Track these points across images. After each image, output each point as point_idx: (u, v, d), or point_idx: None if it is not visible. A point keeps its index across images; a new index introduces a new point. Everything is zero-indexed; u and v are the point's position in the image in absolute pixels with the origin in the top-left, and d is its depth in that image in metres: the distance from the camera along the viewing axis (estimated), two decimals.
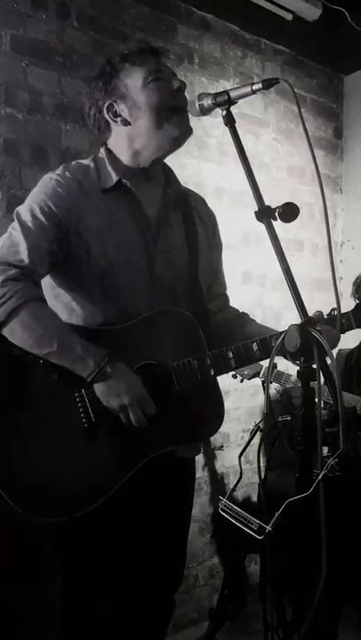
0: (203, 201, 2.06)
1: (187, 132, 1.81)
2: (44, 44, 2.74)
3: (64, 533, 1.75)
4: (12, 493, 1.60)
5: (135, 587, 1.82)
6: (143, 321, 1.75)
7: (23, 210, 1.76)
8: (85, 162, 1.85)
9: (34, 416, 1.66)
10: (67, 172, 1.80)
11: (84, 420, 1.67)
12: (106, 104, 1.81)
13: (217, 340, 1.84)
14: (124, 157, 1.84)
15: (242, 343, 1.76)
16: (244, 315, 2.07)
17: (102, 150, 1.87)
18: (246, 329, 1.97)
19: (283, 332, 1.54)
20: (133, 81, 1.79)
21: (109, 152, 1.86)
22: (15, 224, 1.74)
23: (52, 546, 1.81)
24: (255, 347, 1.75)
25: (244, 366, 1.81)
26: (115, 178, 1.80)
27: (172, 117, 1.77)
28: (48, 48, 2.75)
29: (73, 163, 1.86)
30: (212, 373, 1.76)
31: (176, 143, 1.83)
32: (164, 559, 1.90)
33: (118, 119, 1.81)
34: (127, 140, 1.82)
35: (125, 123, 1.81)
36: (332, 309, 1.77)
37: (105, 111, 1.82)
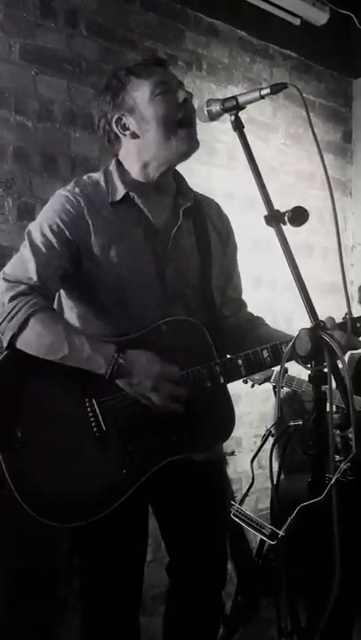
0: (217, 206, 2.08)
1: (194, 146, 1.84)
2: (53, 53, 2.76)
3: (80, 537, 1.81)
4: (29, 501, 1.64)
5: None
6: (151, 331, 1.78)
7: (33, 228, 1.80)
8: (96, 175, 1.89)
9: (48, 426, 1.70)
10: (77, 188, 1.83)
11: (95, 429, 1.71)
12: (115, 117, 1.84)
13: (228, 344, 1.86)
14: (134, 169, 1.87)
15: (252, 350, 1.77)
16: (258, 319, 2.08)
17: (113, 163, 1.90)
18: (258, 333, 1.97)
19: (293, 338, 1.54)
20: (141, 94, 1.81)
21: (119, 164, 1.89)
22: (26, 242, 1.78)
23: (67, 550, 1.85)
24: (265, 353, 1.77)
25: (255, 373, 1.81)
26: (122, 191, 1.82)
27: (180, 131, 1.80)
28: (57, 56, 2.77)
29: (84, 177, 1.89)
30: (222, 381, 1.76)
31: (184, 156, 1.85)
32: (199, 559, 1.93)
33: (127, 132, 1.84)
34: (136, 152, 1.85)
35: (134, 136, 1.83)
36: (346, 314, 1.76)
37: (114, 124, 1.85)
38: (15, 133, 2.63)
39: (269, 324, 2.05)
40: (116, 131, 1.85)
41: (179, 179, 1.96)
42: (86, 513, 1.67)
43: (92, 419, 1.70)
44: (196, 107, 1.75)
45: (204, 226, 1.95)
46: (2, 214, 2.58)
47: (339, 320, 1.79)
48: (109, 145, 1.91)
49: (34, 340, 1.68)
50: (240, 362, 1.76)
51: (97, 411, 1.71)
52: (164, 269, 1.84)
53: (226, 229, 2.06)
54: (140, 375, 1.67)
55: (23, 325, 1.67)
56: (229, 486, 3.39)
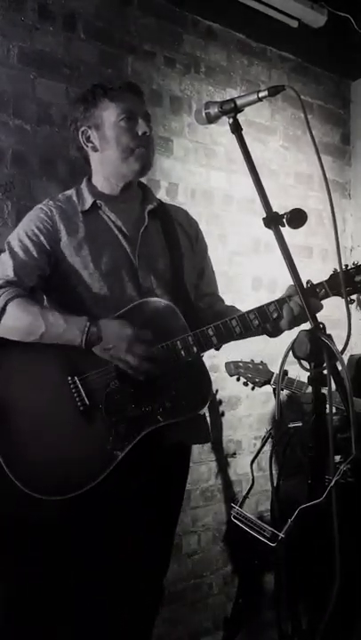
0: (183, 211, 2.27)
1: (146, 166, 2.05)
2: (52, 56, 2.76)
3: (67, 511, 1.87)
4: (20, 476, 1.80)
5: (124, 570, 1.98)
6: (127, 312, 1.92)
7: (12, 238, 2.00)
8: (69, 192, 2.11)
9: (35, 404, 1.87)
10: (50, 202, 2.06)
11: (79, 404, 1.87)
12: (82, 128, 2.06)
13: None
14: (99, 182, 2.10)
15: (221, 321, 1.90)
16: (231, 307, 2.20)
17: (84, 181, 2.13)
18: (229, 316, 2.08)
19: (264, 305, 1.85)
20: (108, 115, 2.02)
21: (89, 181, 2.13)
22: (5, 251, 1.97)
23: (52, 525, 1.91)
24: (234, 322, 1.89)
25: (225, 342, 1.92)
26: (90, 201, 2.05)
27: (135, 153, 2.01)
28: (55, 60, 2.77)
29: (59, 195, 2.11)
30: (195, 350, 1.89)
31: (138, 175, 2.07)
32: (153, 544, 2.05)
33: (89, 145, 2.07)
34: (99, 164, 2.09)
35: (95, 149, 2.07)
36: (308, 282, 1.87)
37: (80, 134, 2.07)
38: (14, 137, 2.63)
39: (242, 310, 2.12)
40: (81, 140, 2.07)
41: (143, 187, 2.18)
42: (74, 486, 1.80)
43: (75, 395, 1.86)
44: (194, 110, 1.77)
45: (172, 227, 2.13)
46: (1, 217, 2.58)
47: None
48: (76, 150, 2.14)
49: (14, 324, 1.85)
50: (210, 332, 1.89)
51: (79, 387, 1.87)
52: (136, 266, 2.01)
53: (194, 230, 2.23)
54: (114, 339, 1.82)
55: (1, 312, 1.84)
56: (231, 487, 3.39)
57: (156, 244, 2.07)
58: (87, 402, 1.87)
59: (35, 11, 2.71)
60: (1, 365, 1.88)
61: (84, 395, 1.87)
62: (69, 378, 1.88)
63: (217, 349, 1.96)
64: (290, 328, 1.87)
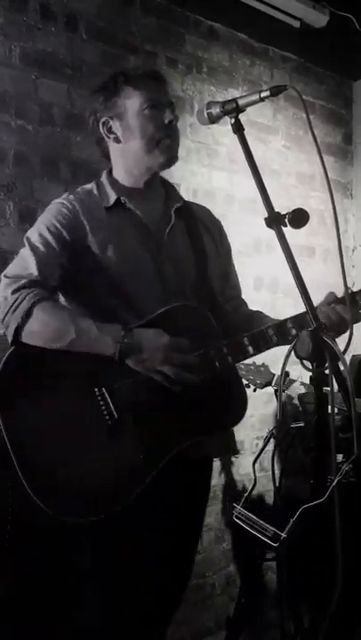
0: (207, 210, 2.14)
1: (172, 159, 1.92)
2: (54, 57, 2.77)
3: (96, 532, 1.78)
4: (40, 494, 1.64)
5: (146, 584, 1.84)
6: (157, 318, 1.78)
7: (31, 232, 1.86)
8: (88, 186, 1.96)
9: (60, 420, 1.70)
10: (71, 196, 1.92)
11: (107, 417, 1.70)
12: (103, 119, 1.92)
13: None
14: (120, 175, 1.95)
15: (257, 330, 1.79)
16: (258, 312, 2.10)
17: (104, 174, 1.99)
18: (258, 323, 1.96)
19: (302, 313, 1.66)
20: (131, 103, 1.88)
21: (109, 174, 1.98)
22: (25, 246, 1.83)
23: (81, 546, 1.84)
24: (271, 331, 1.78)
25: (262, 352, 1.81)
26: (114, 197, 1.90)
27: (160, 145, 1.87)
28: (57, 60, 2.78)
29: (78, 189, 1.97)
30: (230, 361, 1.77)
31: (163, 167, 1.93)
32: (177, 560, 1.94)
33: (112, 136, 1.92)
34: (120, 156, 1.94)
35: (117, 140, 1.92)
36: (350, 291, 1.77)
37: (101, 125, 1.93)
38: (16, 137, 2.64)
39: (269, 316, 2.05)
40: (102, 131, 1.93)
41: (166, 185, 2.05)
42: (102, 506, 1.66)
43: (102, 407, 1.70)
44: (196, 110, 1.76)
45: (197, 227, 2.01)
46: (3, 218, 2.59)
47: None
48: (96, 142, 1.99)
49: (40, 329, 1.69)
50: (246, 341, 1.77)
51: (108, 399, 1.71)
52: (162, 266, 1.88)
53: (218, 231, 2.11)
54: (150, 349, 1.68)
55: (27, 315, 1.68)
56: (234, 487, 3.39)
57: (181, 244, 1.95)
58: (115, 415, 1.71)
59: (36, 11, 2.72)
60: (22, 374, 1.72)
61: (112, 407, 1.71)
62: (96, 389, 1.71)
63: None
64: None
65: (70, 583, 2.30)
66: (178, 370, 1.68)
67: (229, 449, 2.05)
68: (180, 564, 1.97)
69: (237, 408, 1.85)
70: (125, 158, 1.92)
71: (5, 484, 1.80)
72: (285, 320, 1.79)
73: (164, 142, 1.87)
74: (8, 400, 1.69)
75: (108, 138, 1.93)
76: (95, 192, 1.93)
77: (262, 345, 1.78)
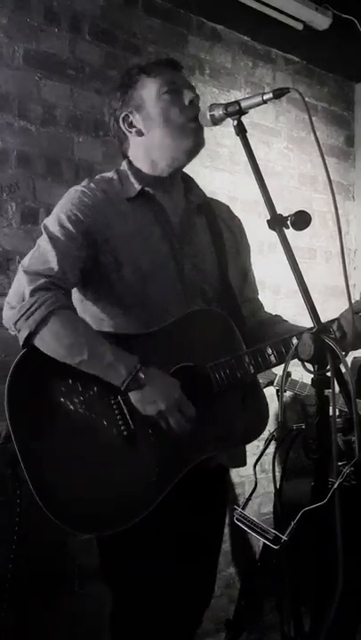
0: (227, 207, 2.08)
1: (199, 143, 1.82)
2: (57, 58, 2.77)
3: (109, 546, 1.73)
4: (57, 512, 1.56)
5: (166, 602, 1.74)
6: (176, 323, 1.71)
7: (50, 221, 1.76)
8: (109, 174, 1.88)
9: (72, 428, 1.63)
10: (92, 184, 1.82)
11: (122, 428, 1.63)
12: (122, 115, 1.84)
13: (251, 343, 1.80)
14: (145, 168, 1.86)
15: (280, 338, 1.72)
16: (277, 316, 2.04)
17: (124, 163, 1.90)
18: (277, 329, 1.91)
19: (327, 322, 1.58)
20: (148, 92, 1.81)
21: (130, 164, 1.88)
22: (44, 235, 1.73)
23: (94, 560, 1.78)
24: (295, 341, 1.68)
25: (283, 363, 1.71)
26: (138, 187, 1.81)
27: (185, 129, 1.78)
28: (60, 61, 2.78)
29: (97, 176, 1.88)
30: (252, 371, 1.70)
31: (190, 154, 1.84)
32: (196, 576, 1.86)
33: (133, 130, 1.84)
34: (144, 150, 1.84)
35: (140, 133, 1.83)
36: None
37: (121, 122, 1.85)
38: (19, 138, 2.64)
39: (288, 321, 2.01)
40: (123, 128, 1.85)
41: (188, 180, 1.97)
42: (120, 519, 1.59)
43: (118, 417, 1.63)
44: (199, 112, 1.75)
45: (217, 225, 1.93)
46: (5, 218, 2.59)
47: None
48: (119, 144, 1.92)
49: (50, 340, 1.61)
50: (269, 350, 1.70)
51: (123, 408, 1.63)
52: (183, 264, 1.81)
53: (238, 229, 2.05)
54: (156, 393, 1.61)
55: (41, 325, 1.60)
56: (234, 489, 3.39)
57: (202, 242, 1.88)
58: (132, 426, 1.63)
59: (40, 12, 2.72)
60: (33, 379, 1.65)
61: (128, 417, 1.63)
62: (112, 397, 1.64)
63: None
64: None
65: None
66: (171, 427, 1.62)
67: (241, 460, 1.96)
68: (198, 582, 1.89)
69: (258, 422, 1.77)
70: (149, 151, 1.83)
71: (14, 496, 1.71)
72: (309, 330, 1.71)
73: (190, 126, 1.78)
74: (18, 405, 1.61)
75: (130, 133, 1.84)
76: (116, 181, 1.84)
77: (286, 353, 1.69)
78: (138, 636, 1.73)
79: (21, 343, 1.65)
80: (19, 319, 1.63)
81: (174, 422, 1.62)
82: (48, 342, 1.62)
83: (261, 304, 2.10)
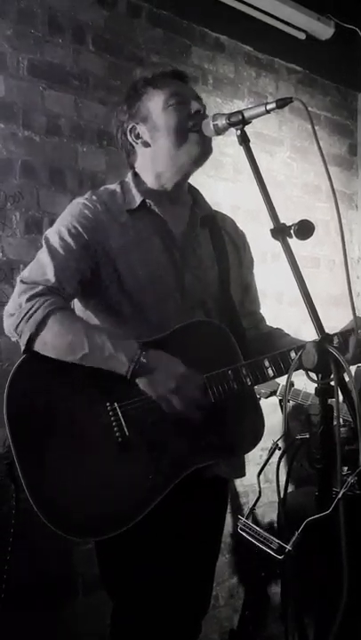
0: (232, 221, 2.09)
1: (206, 151, 1.83)
2: (61, 68, 2.78)
3: (103, 551, 1.76)
4: (50, 516, 1.58)
5: (163, 609, 1.75)
6: (174, 333, 1.73)
7: (51, 233, 1.79)
8: (112, 186, 1.90)
9: (68, 434, 1.64)
10: (93, 197, 1.84)
11: (117, 435, 1.65)
12: (129, 127, 1.87)
13: (250, 356, 1.80)
14: (149, 179, 1.88)
15: (279, 351, 1.73)
16: (278, 330, 2.05)
17: (129, 175, 1.92)
18: (278, 342, 1.92)
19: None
20: (154, 104, 1.83)
21: (135, 175, 1.90)
22: (43, 247, 1.76)
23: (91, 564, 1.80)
24: (293, 354, 1.71)
25: (283, 375, 1.73)
26: (139, 199, 1.83)
27: (191, 138, 1.80)
28: (64, 72, 2.80)
29: (101, 188, 1.91)
30: (249, 384, 1.71)
31: (196, 163, 1.85)
32: (192, 583, 1.86)
33: (139, 141, 1.86)
34: (150, 161, 1.86)
35: (146, 144, 1.85)
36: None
37: (128, 133, 1.87)
38: (23, 148, 2.65)
39: (290, 335, 2.01)
40: (130, 140, 1.87)
41: (194, 192, 1.98)
42: (113, 524, 1.61)
43: (114, 423, 1.65)
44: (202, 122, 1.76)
45: (221, 237, 1.95)
46: (9, 228, 2.60)
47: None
48: (127, 156, 1.94)
49: (52, 340, 1.64)
50: (267, 363, 1.71)
51: (120, 415, 1.65)
52: (183, 276, 1.83)
53: (242, 242, 2.07)
54: (163, 374, 1.62)
55: (41, 325, 1.63)
56: (238, 499, 3.38)
57: (204, 253, 1.89)
58: (127, 433, 1.64)
59: (44, 23, 2.74)
60: (32, 384, 1.67)
61: (123, 424, 1.64)
62: (108, 404, 1.65)
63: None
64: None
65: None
66: (187, 404, 1.63)
67: (240, 471, 1.96)
68: (195, 588, 1.89)
69: (252, 434, 1.79)
70: (155, 161, 1.85)
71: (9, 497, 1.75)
72: (309, 343, 1.69)
73: (195, 134, 1.79)
74: (17, 408, 1.64)
75: (137, 144, 1.87)
76: (119, 193, 1.86)
77: (284, 368, 1.71)
78: None
79: (23, 348, 1.67)
80: (19, 323, 1.66)
81: (187, 401, 1.62)
82: (49, 342, 1.64)
83: (263, 317, 2.11)
